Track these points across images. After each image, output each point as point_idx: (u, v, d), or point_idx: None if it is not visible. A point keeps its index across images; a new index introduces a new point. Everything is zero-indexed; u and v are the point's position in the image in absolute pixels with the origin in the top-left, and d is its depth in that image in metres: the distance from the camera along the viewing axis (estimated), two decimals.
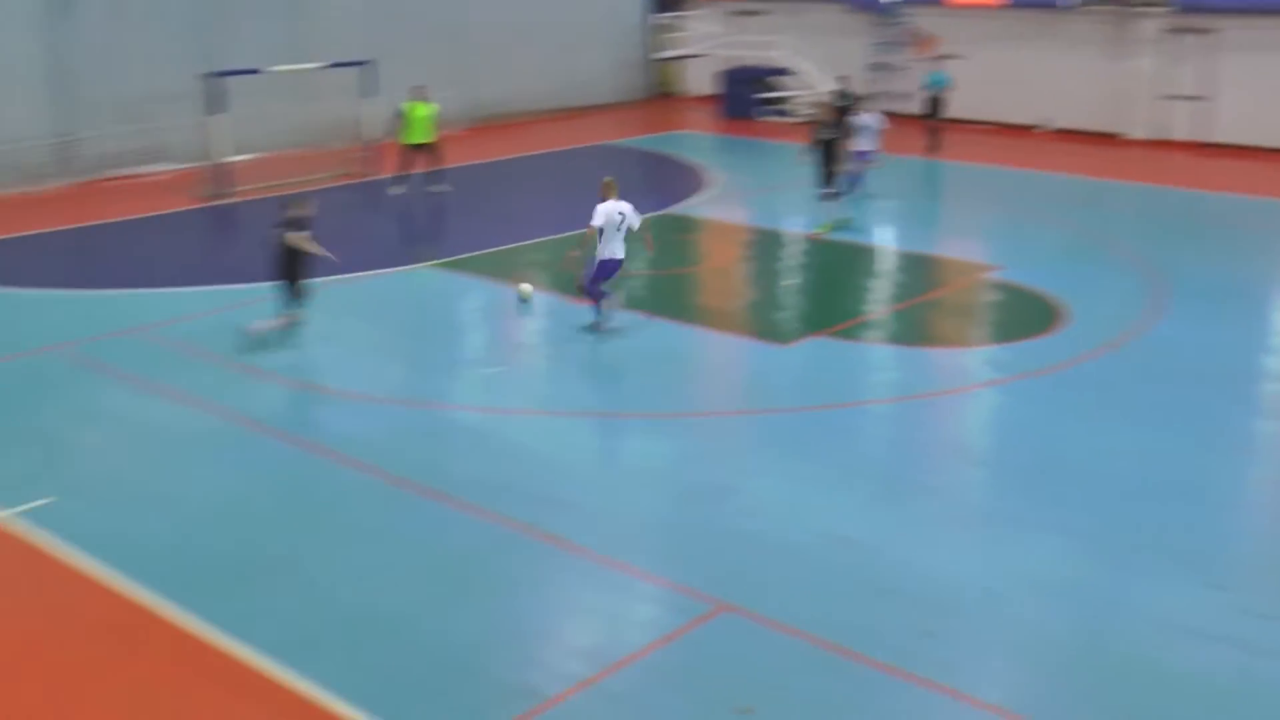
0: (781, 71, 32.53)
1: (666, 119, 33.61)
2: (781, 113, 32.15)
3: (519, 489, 10.96)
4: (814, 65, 31.13)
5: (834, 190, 20.67)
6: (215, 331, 15.16)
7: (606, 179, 15.15)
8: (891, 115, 24.96)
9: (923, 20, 31.47)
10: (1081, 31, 29.68)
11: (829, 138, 20.63)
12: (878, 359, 14.80)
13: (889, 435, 12.65)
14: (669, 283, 18.32)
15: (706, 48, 33.80)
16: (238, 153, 23.76)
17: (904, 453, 12.17)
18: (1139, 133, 29.12)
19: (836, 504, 10.72)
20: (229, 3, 26.27)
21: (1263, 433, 12.70)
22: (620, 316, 15.32)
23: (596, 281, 15.01)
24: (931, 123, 27.55)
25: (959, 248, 20.17)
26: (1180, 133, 28.63)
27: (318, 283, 15.14)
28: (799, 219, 21.02)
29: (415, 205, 22.83)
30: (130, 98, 24.91)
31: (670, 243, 20.74)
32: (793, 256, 19.62)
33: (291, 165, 25.10)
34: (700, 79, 35.59)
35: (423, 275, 18.03)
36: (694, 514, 10.61)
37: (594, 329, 15.05)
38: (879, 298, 17.44)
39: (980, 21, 30.89)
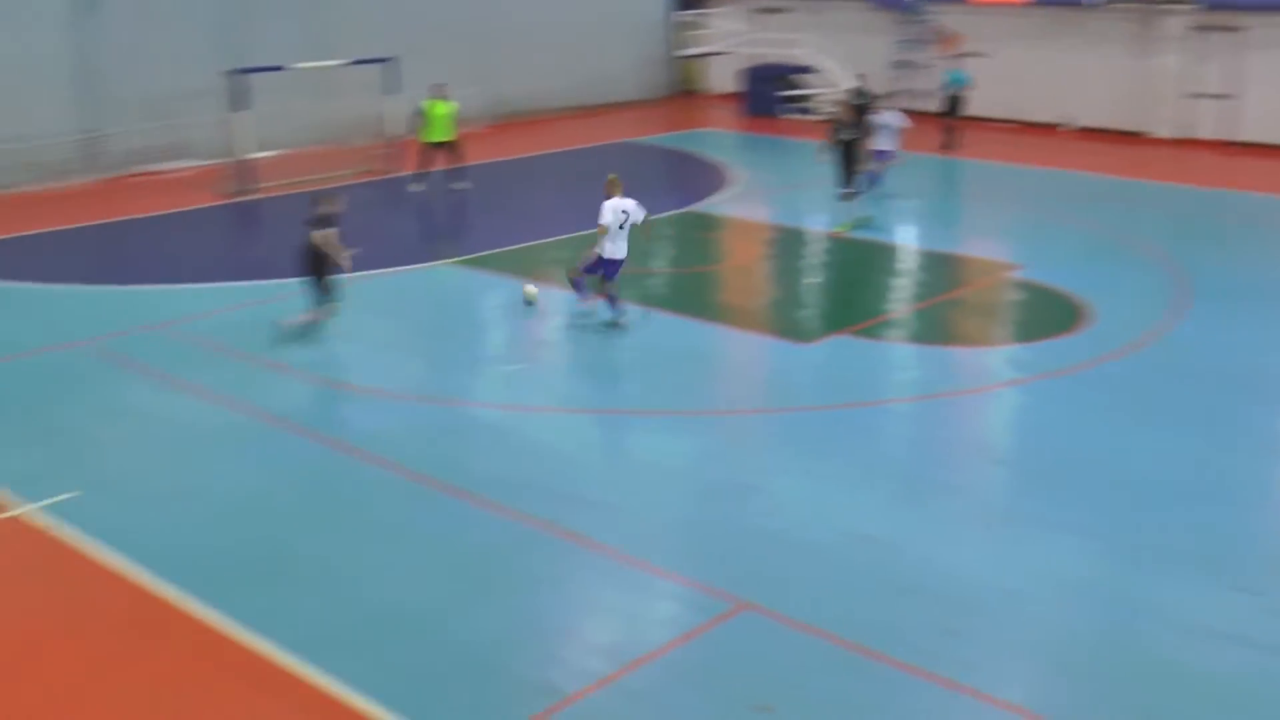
0: (804, 69, 32.46)
1: (689, 117, 33.59)
2: (804, 110, 32.09)
3: (540, 486, 10.98)
4: (837, 63, 31.06)
5: (853, 190, 20.64)
6: (239, 327, 15.24)
7: (611, 176, 15.20)
8: (911, 113, 24.88)
9: (946, 18, 31.37)
10: (1106, 29, 29.54)
11: (849, 138, 20.58)
12: (899, 358, 14.77)
13: (910, 434, 12.63)
14: (691, 281, 18.33)
15: (729, 45, 33.77)
16: (261, 149, 23.86)
17: (925, 452, 12.14)
18: (1163, 131, 28.97)
19: (858, 503, 10.71)
20: (253, 1, 26.37)
21: None
22: (599, 313, 15.32)
23: (591, 273, 15.19)
24: (948, 121, 27.46)
25: (981, 246, 20.10)
26: (1205, 131, 28.46)
27: (341, 279, 15.18)
28: (821, 217, 20.98)
29: (436, 202, 22.88)
30: (155, 95, 25.06)
31: (692, 241, 20.75)
32: (814, 255, 19.59)
33: (314, 162, 25.19)
34: (723, 77, 35.56)
35: (444, 272, 18.07)
36: (715, 512, 10.61)
37: (578, 313, 15.27)
38: (901, 296, 17.40)
39: (1004, 19, 30.77)
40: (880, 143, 21.88)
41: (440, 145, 23.10)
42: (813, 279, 18.46)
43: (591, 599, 9.41)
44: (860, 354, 14.72)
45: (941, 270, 18.66)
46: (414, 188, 23.23)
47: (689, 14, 35.51)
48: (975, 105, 28.60)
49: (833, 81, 30.92)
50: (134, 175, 24.83)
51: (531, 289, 16.02)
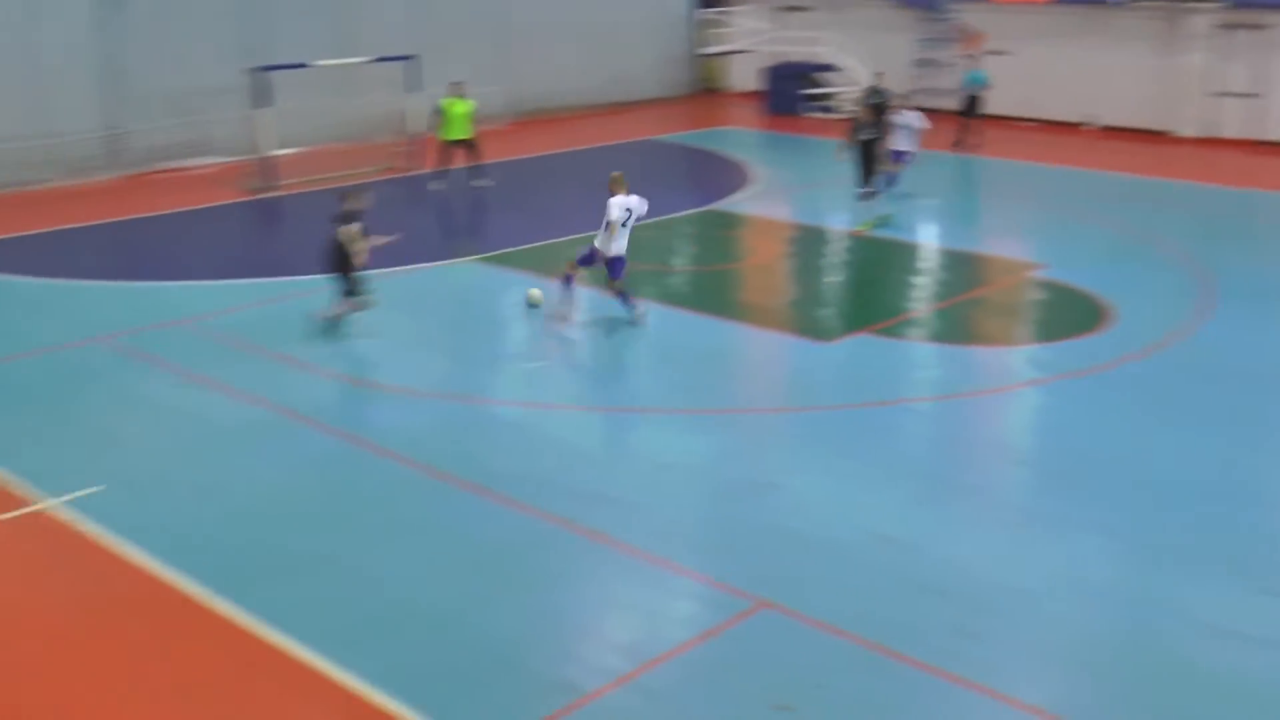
0: (826, 68, 32.39)
1: (710, 115, 33.55)
2: (826, 109, 32.03)
3: (560, 484, 10.99)
4: (859, 61, 30.98)
5: (872, 189, 20.57)
6: (260, 324, 15.30)
7: (615, 174, 15.18)
8: (930, 112, 24.74)
9: (969, 16, 31.25)
10: (1130, 27, 29.38)
11: (868, 137, 20.49)
12: (921, 357, 14.72)
13: (931, 434, 12.59)
14: (712, 279, 18.32)
15: (751, 44, 33.72)
16: (283, 146, 23.96)
17: (946, 451, 12.10)
18: (1188, 130, 28.80)
19: (878, 502, 10.68)
20: None
21: None
22: (602, 309, 15.31)
23: (585, 265, 15.26)
24: (965, 120, 27.34)
25: (1003, 245, 20.02)
26: (1231, 130, 28.28)
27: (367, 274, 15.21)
28: (842, 216, 20.93)
29: (457, 200, 22.91)
30: (178, 92, 25.19)
31: (713, 239, 20.74)
32: (835, 253, 19.55)
33: (336, 159, 25.26)
34: (745, 75, 35.51)
35: (464, 270, 18.09)
36: (735, 510, 10.60)
37: (598, 311, 15.39)
38: (922, 295, 17.34)
39: (1027, 17, 30.64)
40: (899, 143, 21.69)
41: (459, 143, 23.13)
42: (834, 278, 18.41)
43: (610, 597, 9.41)
44: (881, 353, 14.67)
45: (963, 269, 18.60)
46: (435, 186, 23.27)
47: (711, 12, 35.47)
48: (999, 104, 28.48)
49: (854, 80, 30.82)
50: (157, 172, 24.95)
51: (536, 293, 15.96)
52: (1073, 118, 30.31)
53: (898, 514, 10.45)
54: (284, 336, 14.74)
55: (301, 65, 23.86)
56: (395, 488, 11.03)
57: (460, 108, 22.95)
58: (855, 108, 22.72)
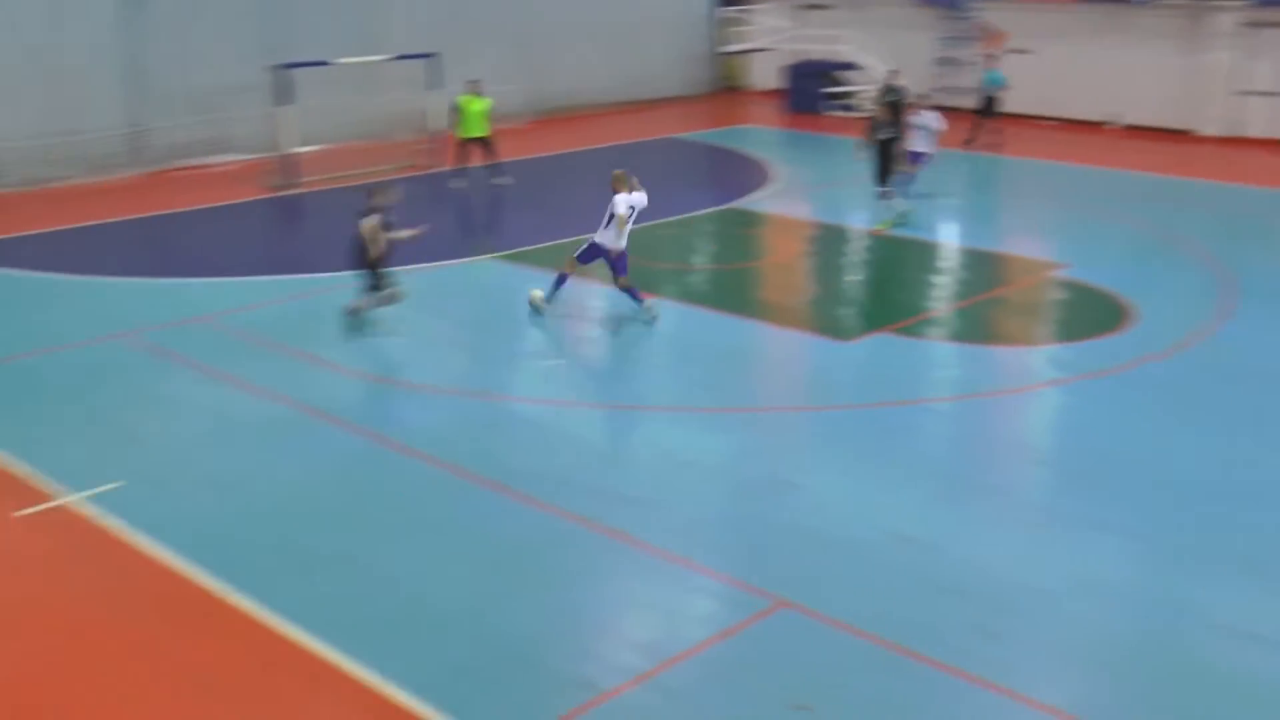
0: (847, 66, 32.33)
1: (731, 113, 33.53)
2: (847, 107, 31.96)
3: (579, 482, 10.99)
4: (880, 59, 30.91)
5: (889, 189, 20.48)
6: (281, 321, 15.36)
7: (617, 172, 15.20)
8: (948, 110, 24.56)
9: (991, 14, 31.14)
10: (1153, 25, 29.24)
11: (886, 137, 20.39)
12: (941, 356, 14.68)
13: (951, 433, 12.55)
14: (731, 277, 18.30)
15: (772, 42, 33.69)
16: (304, 144, 24.02)
17: (966, 451, 12.07)
18: (1212, 129, 28.65)
19: (897, 502, 10.65)
20: None
21: None
22: (617, 306, 15.30)
23: (585, 262, 15.30)
24: (979, 119, 27.21)
25: (1024, 245, 19.95)
26: (1256, 129, 28.13)
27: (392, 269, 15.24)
28: (862, 214, 20.88)
29: (477, 198, 22.95)
30: (200, 90, 25.30)
31: (733, 237, 20.72)
32: (855, 252, 19.50)
33: (357, 157, 25.33)
34: (765, 73, 35.47)
35: (484, 267, 18.12)
36: (754, 509, 10.58)
37: (549, 301, 15.50)
38: (942, 294, 17.28)
39: (1049, 16, 30.52)
40: (916, 144, 21.21)
41: (475, 141, 23.17)
42: (853, 276, 18.37)
43: (629, 595, 9.41)
44: (901, 352, 14.63)
45: (984, 268, 18.54)
46: (456, 184, 23.30)
47: (732, 10, 35.44)
48: (1021, 102, 28.39)
49: (875, 78, 30.74)
50: (178, 169, 25.06)
51: (537, 294, 15.93)
52: (1095, 117, 30.18)
53: (917, 514, 10.42)
54: (305, 333, 14.79)
55: (323, 63, 23.93)
56: (415, 485, 11.06)
57: (477, 105, 22.98)
58: (872, 106, 22.53)
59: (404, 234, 14.91)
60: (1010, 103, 27.87)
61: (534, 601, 9.12)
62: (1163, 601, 9.10)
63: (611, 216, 14.90)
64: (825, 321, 15.95)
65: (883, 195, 20.51)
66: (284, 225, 22.12)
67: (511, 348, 15.01)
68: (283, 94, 23.13)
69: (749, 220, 21.50)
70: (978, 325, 15.85)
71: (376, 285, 14.77)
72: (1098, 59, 29.78)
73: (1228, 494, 10.80)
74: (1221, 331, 15.06)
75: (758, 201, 22.57)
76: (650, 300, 15.34)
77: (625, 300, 15.42)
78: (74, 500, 10.60)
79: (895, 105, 21.34)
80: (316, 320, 15.16)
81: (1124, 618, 8.95)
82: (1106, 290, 16.56)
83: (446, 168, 24.12)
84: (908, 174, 20.98)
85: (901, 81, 22.84)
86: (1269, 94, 27.81)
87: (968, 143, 26.70)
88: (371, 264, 14.69)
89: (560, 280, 15.55)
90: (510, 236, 20.26)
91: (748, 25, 34.62)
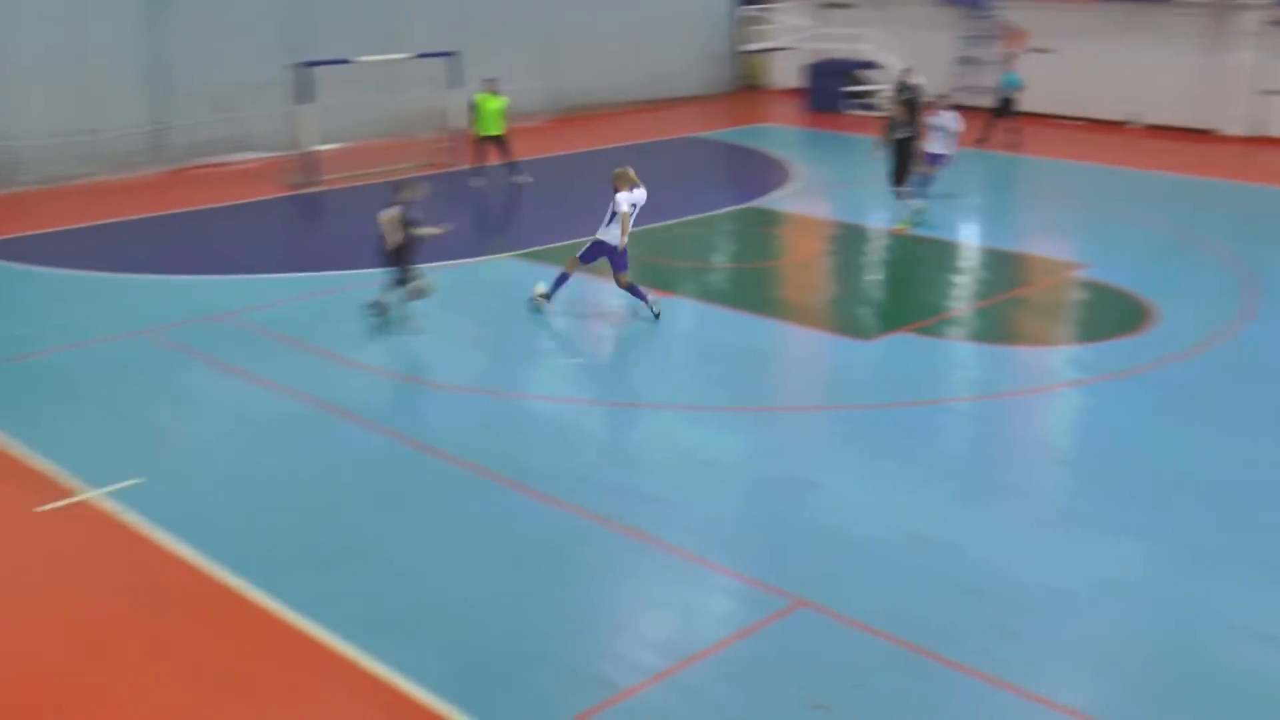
0: (868, 65, 32.26)
1: (751, 112, 33.49)
2: (867, 106, 31.89)
3: (597, 480, 11.00)
4: (901, 59, 30.84)
5: (907, 189, 20.40)
6: (301, 318, 15.41)
7: (618, 170, 15.20)
8: (966, 109, 24.41)
9: (1013, 13, 31.03)
10: (1176, 24, 29.09)
11: (903, 136, 20.29)
12: (960, 356, 14.64)
13: (970, 434, 12.51)
14: (751, 276, 18.28)
15: (793, 40, 33.64)
16: (325, 142, 24.09)
17: (985, 451, 12.04)
18: (1234, 129, 28.50)
19: (916, 502, 10.63)
20: None
21: None
22: (632, 304, 15.29)
23: (588, 261, 15.32)
24: (994, 119, 27.09)
25: (1045, 245, 19.87)
26: (1278, 129, 27.95)
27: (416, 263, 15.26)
28: (882, 214, 20.82)
29: (496, 196, 22.98)
30: (222, 88, 25.41)
31: (752, 236, 20.70)
32: (875, 252, 19.46)
33: (377, 155, 25.41)
34: (786, 72, 35.42)
35: (503, 265, 18.14)
36: (772, 509, 10.57)
37: (546, 298, 15.50)
38: (962, 294, 17.23)
39: (1071, 15, 30.40)
40: (934, 145, 20.86)
41: (491, 139, 23.20)
42: (873, 276, 18.33)
43: (647, 594, 9.41)
44: (920, 352, 14.59)
45: (1004, 268, 18.48)
46: (476, 183, 23.33)
47: (753, 9, 35.40)
48: (1042, 102, 28.30)
49: (896, 77, 30.67)
50: (199, 167, 25.17)
51: (541, 288, 15.92)
52: (1117, 116, 30.05)
53: (936, 514, 10.39)
54: (325, 331, 14.84)
55: (344, 61, 24.00)
56: (432, 482, 11.08)
57: (493, 104, 23.00)
58: (889, 106, 22.37)
59: (429, 231, 14.93)
60: (1031, 102, 27.77)
61: (552, 599, 9.13)
62: (1182, 602, 9.06)
63: (614, 214, 14.94)
64: (845, 321, 15.92)
65: (899, 195, 20.42)
66: (304, 223, 22.19)
67: (531, 346, 15.02)
68: (303, 92, 23.20)
69: (769, 219, 21.48)
70: (997, 325, 15.80)
71: (403, 279, 14.80)
72: (1120, 58, 29.64)
73: (1248, 495, 10.74)
74: (1244, 332, 14.98)
75: (778, 200, 22.54)
76: (654, 295, 15.33)
77: (631, 298, 15.42)
78: (94, 496, 10.66)
79: (911, 104, 21.11)
80: (337, 318, 15.21)
81: (1143, 618, 8.92)
82: (1127, 291, 16.49)
83: (466, 166, 24.15)
84: (925, 175, 20.78)
85: (916, 79, 22.75)
86: None
87: (980, 141, 26.61)
88: (396, 257, 14.71)
89: (561, 279, 15.56)
90: (529, 235, 20.28)
91: (768, 24, 34.59)
